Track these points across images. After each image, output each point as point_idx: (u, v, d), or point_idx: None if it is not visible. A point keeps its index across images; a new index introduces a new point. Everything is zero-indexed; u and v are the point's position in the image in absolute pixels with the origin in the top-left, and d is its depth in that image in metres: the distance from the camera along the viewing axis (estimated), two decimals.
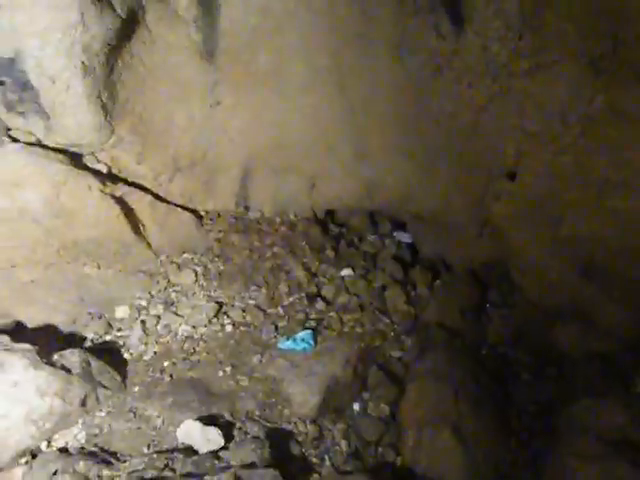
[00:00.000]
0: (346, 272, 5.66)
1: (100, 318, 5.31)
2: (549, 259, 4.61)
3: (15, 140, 4.94)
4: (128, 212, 5.27)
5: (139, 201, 5.41)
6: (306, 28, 5.11)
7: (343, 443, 4.14)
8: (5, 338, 4.44)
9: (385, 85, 5.02)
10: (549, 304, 4.80)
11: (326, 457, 4.04)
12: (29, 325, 5.28)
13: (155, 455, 3.74)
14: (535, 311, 4.95)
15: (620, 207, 4.03)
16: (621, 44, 3.75)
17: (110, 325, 5.22)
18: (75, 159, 5.07)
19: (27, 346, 4.31)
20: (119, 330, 5.16)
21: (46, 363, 4.19)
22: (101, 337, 5.12)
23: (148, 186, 5.53)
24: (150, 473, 3.54)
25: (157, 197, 5.58)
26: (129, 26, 4.80)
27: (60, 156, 4.97)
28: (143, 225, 5.47)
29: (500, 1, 4.12)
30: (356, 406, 4.45)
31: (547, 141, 4.26)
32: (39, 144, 4.99)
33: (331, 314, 5.21)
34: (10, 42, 4.46)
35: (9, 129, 4.99)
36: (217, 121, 5.59)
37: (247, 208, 6.17)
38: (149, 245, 5.53)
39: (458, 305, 5.23)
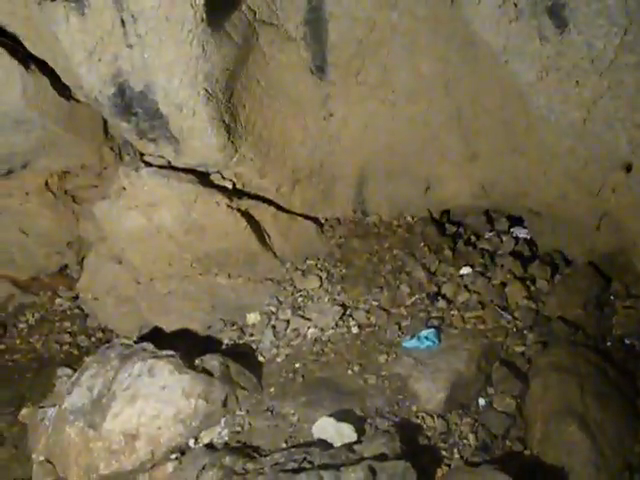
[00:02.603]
0: (465, 270, 5.65)
1: (233, 324, 5.66)
2: None
3: (148, 164, 5.35)
4: (254, 224, 5.59)
5: (263, 213, 5.71)
6: (410, 37, 5.16)
7: (471, 437, 4.21)
8: (150, 346, 4.83)
9: (490, 87, 5.01)
10: None
11: (455, 450, 4.13)
12: (167, 332, 5.74)
13: (293, 449, 4.00)
14: None
15: None
16: None
17: (242, 331, 5.55)
18: (202, 178, 5.39)
19: (171, 352, 4.68)
20: (251, 335, 5.48)
21: (189, 367, 4.54)
22: (235, 342, 5.46)
23: (270, 198, 5.78)
24: (291, 465, 3.79)
25: (279, 208, 5.83)
26: (244, 51, 5.05)
27: (189, 176, 5.33)
28: (268, 235, 5.78)
29: None
30: (481, 401, 4.50)
31: None
32: (170, 166, 5.35)
33: (453, 312, 5.23)
34: (141, 76, 4.85)
35: (142, 154, 5.42)
36: (331, 132, 5.75)
37: (364, 213, 6.29)
38: (274, 254, 5.84)
39: (579, 298, 5.13)
